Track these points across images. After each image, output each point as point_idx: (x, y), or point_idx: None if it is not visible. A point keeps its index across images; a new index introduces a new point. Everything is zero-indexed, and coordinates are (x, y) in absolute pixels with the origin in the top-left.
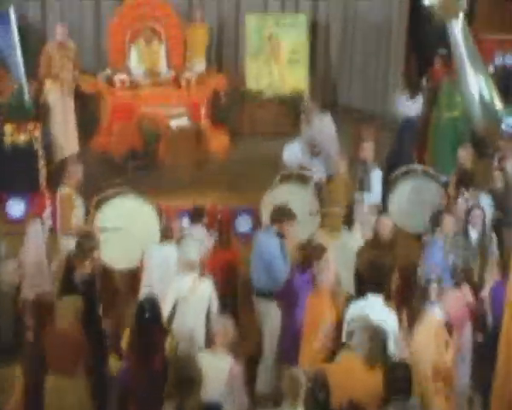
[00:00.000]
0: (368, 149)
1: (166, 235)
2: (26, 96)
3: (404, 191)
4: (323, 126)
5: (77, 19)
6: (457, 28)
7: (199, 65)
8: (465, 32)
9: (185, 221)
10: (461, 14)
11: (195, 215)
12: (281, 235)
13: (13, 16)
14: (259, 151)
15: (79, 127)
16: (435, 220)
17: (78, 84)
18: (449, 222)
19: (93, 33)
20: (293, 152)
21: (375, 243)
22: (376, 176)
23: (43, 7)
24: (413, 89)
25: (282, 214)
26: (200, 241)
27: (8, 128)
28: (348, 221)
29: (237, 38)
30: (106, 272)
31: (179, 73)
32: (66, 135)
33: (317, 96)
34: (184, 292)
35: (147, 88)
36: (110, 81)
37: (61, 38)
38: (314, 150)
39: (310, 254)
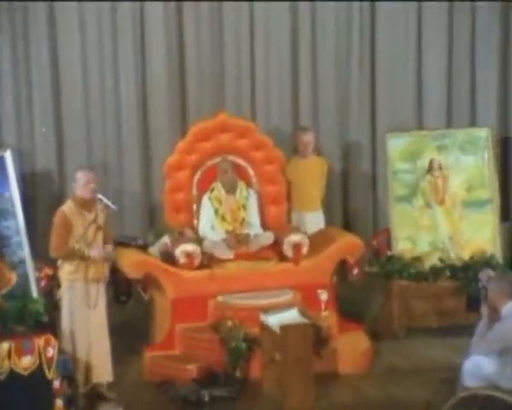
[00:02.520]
0: None
1: None
2: (34, 293)
3: None
4: None
5: (113, 154)
6: None
7: (313, 220)
8: None
9: None
10: None
11: None
12: None
13: (10, 165)
14: (418, 359)
15: (119, 337)
16: None
17: (116, 267)
18: None
19: (140, 178)
20: (479, 362)
21: None
22: None
23: (60, 141)
24: None
25: None
26: None
27: (3, 347)
28: None
29: (374, 172)
30: None
31: (281, 236)
32: (96, 354)
33: None
34: None
35: (229, 264)
36: (169, 256)
37: (87, 194)
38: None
39: None
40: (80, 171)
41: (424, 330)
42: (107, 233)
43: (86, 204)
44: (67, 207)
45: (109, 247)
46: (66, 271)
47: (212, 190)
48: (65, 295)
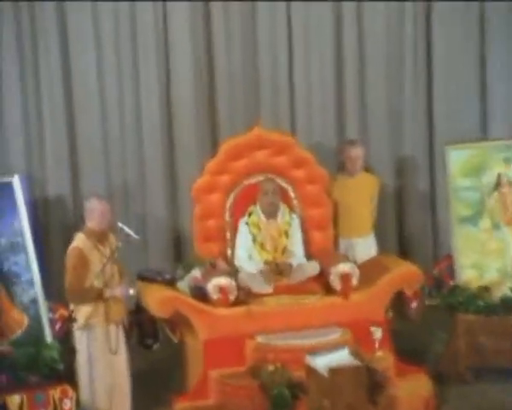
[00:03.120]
0: None
1: None
2: (48, 338)
3: None
4: None
5: (134, 176)
6: None
7: (363, 247)
8: None
9: None
10: None
11: None
12: None
13: (19, 192)
14: (489, 405)
15: (145, 386)
16: None
17: (140, 306)
18: None
19: (165, 203)
20: None
21: None
22: None
23: (74, 164)
24: None
25: None
26: None
27: (14, 401)
28: None
29: (432, 191)
30: None
31: (327, 266)
32: (118, 406)
33: None
34: None
35: (269, 299)
36: (200, 291)
37: (102, 225)
38: None
39: None
40: (94, 199)
41: (496, 371)
42: (121, 267)
43: (100, 237)
44: (82, 242)
45: (132, 283)
46: (83, 312)
47: (250, 214)
48: (82, 339)
